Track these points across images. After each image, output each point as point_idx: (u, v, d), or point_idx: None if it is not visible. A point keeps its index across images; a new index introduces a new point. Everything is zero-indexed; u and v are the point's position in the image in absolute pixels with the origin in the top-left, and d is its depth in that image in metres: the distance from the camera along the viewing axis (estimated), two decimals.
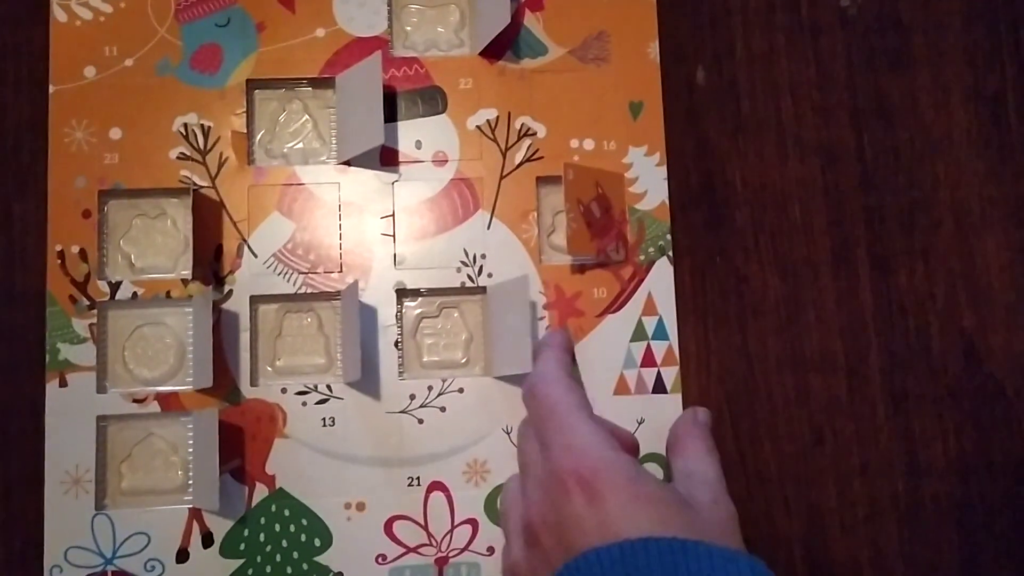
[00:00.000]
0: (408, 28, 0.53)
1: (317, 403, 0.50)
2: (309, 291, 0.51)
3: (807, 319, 0.52)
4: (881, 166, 0.53)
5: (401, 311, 0.51)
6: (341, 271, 0.51)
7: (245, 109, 0.51)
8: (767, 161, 0.53)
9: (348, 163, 0.51)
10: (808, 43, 0.54)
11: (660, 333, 0.51)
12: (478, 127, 0.52)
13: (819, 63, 0.54)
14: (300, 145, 0.52)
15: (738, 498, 0.51)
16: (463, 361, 0.51)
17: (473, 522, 0.50)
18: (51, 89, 0.51)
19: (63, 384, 0.49)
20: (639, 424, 0.50)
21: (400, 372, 0.50)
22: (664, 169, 0.52)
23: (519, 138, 0.52)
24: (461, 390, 0.50)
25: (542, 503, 0.38)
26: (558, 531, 0.37)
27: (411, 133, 0.52)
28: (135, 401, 0.49)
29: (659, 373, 0.51)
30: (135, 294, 0.50)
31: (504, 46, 0.52)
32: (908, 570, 0.51)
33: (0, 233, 0.50)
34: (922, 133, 0.54)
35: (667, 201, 0.52)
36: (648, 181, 0.52)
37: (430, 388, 0.50)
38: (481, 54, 0.52)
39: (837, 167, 0.53)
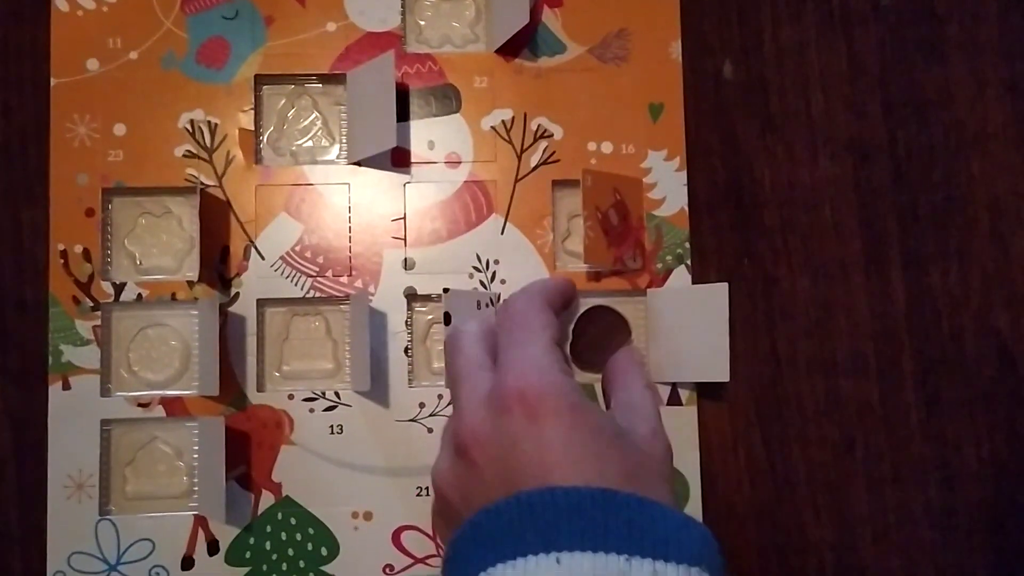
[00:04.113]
0: (422, 23, 0.52)
1: (325, 410, 0.48)
2: (317, 295, 0.49)
3: (838, 322, 0.50)
4: (915, 163, 0.51)
5: (411, 317, 0.49)
6: (351, 275, 0.49)
7: (253, 105, 0.50)
8: (796, 159, 0.51)
9: (359, 163, 0.50)
10: (839, 35, 0.52)
11: None
12: (493, 128, 0.50)
13: (851, 56, 0.52)
14: (309, 143, 0.51)
15: (767, 504, 0.49)
16: None
17: None
18: (52, 82, 0.49)
19: (66, 387, 0.48)
20: None
21: (410, 380, 0.49)
22: (684, 174, 0.50)
23: (535, 140, 0.50)
24: None
25: (479, 415, 0.36)
26: (494, 447, 0.35)
27: (424, 133, 0.50)
28: (139, 405, 0.48)
29: (674, 385, 0.49)
30: (140, 295, 0.49)
31: (521, 43, 0.50)
32: None
33: (9, 239, 0.49)
34: (957, 128, 0.51)
35: (686, 208, 0.50)
36: (667, 187, 0.50)
37: (440, 396, 0.49)
38: (497, 51, 0.50)
39: (869, 164, 0.51)
